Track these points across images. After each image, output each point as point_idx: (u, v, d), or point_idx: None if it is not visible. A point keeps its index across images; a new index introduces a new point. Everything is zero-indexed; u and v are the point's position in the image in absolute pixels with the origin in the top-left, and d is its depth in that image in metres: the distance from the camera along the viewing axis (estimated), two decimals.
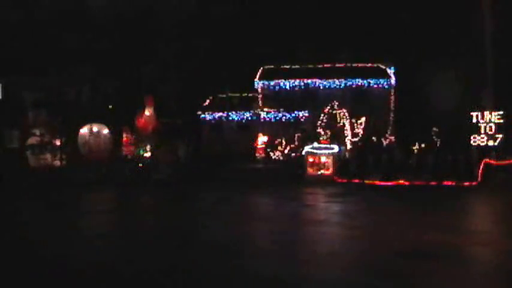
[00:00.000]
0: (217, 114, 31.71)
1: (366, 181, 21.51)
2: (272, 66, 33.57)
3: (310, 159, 23.20)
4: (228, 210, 14.41)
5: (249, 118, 30.71)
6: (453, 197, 17.26)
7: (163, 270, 7.51)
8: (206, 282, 6.94)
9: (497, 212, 14.09)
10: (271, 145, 28.42)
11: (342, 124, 26.19)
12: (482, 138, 21.12)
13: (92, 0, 33.62)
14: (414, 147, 22.51)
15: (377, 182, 21.19)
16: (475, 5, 27.75)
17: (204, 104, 31.99)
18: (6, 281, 7.08)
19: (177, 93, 31.97)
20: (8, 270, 7.71)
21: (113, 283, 6.96)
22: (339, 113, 26.29)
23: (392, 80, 32.57)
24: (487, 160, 20.19)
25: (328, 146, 23.49)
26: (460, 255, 8.48)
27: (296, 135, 26.39)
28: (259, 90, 32.50)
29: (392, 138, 27.13)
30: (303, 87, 32.55)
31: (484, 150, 20.75)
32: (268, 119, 30.40)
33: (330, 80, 32.23)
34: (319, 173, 22.96)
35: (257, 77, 33.04)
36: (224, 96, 31.69)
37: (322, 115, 26.05)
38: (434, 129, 22.01)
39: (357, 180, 21.81)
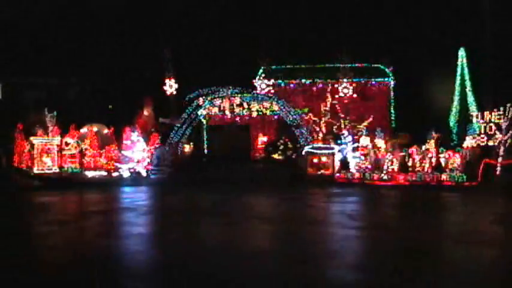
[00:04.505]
0: (217, 114, 31.69)
1: (366, 181, 21.51)
2: (272, 66, 33.56)
3: (310, 159, 23.19)
4: (228, 210, 14.39)
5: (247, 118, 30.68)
6: (453, 197, 17.25)
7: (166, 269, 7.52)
8: (207, 282, 6.95)
9: (497, 212, 14.08)
10: (271, 145, 28.40)
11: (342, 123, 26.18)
12: (482, 138, 21.12)
13: (92, 0, 33.68)
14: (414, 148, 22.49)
15: (377, 182, 21.19)
16: (475, 4, 27.78)
17: (204, 104, 31.98)
18: None
19: (177, 92, 31.98)
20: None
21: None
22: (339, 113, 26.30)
23: (392, 80, 32.56)
24: (487, 160, 20.18)
25: (328, 146, 23.48)
26: (460, 255, 8.48)
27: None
28: (259, 90, 32.48)
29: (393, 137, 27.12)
30: (303, 87, 32.55)
31: (485, 150, 20.75)
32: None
33: (330, 80, 32.22)
34: (319, 173, 22.94)
35: (257, 77, 33.03)
36: (224, 95, 31.68)
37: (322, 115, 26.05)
38: (434, 133, 22.08)
39: (357, 181, 21.80)
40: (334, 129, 26.02)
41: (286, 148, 27.44)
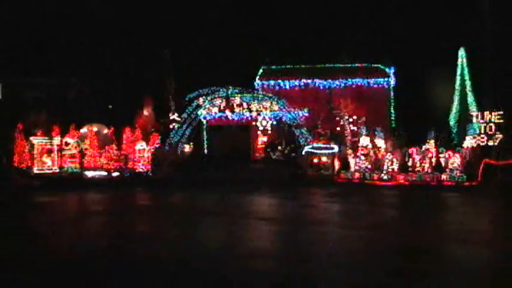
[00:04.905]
0: (217, 114, 31.67)
1: (366, 181, 21.51)
2: (272, 66, 33.53)
3: (310, 159, 23.18)
4: (228, 211, 14.40)
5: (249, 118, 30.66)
6: (453, 197, 17.25)
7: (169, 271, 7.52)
8: (206, 281, 6.95)
9: (497, 212, 14.08)
10: (271, 145, 28.36)
11: (342, 123, 26.17)
12: (482, 138, 21.11)
13: (92, 1, 33.66)
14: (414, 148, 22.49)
15: (377, 182, 21.18)
16: (475, 4, 27.79)
17: (205, 104, 31.98)
18: None
19: (177, 92, 31.93)
20: None
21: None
22: (339, 113, 26.28)
23: (392, 80, 32.55)
24: (487, 160, 20.18)
25: (328, 146, 23.47)
26: (460, 255, 8.48)
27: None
28: (260, 90, 32.45)
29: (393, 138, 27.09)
30: (303, 87, 32.54)
31: (485, 150, 20.74)
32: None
33: (330, 80, 32.20)
34: (319, 173, 22.93)
35: (257, 77, 33.00)
36: (224, 96, 31.68)
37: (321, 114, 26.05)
38: (435, 133, 22.04)
39: (357, 180, 21.80)
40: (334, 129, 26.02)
41: (286, 148, 27.42)
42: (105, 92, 33.81)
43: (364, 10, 36.15)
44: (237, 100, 30.76)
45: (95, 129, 24.94)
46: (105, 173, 23.67)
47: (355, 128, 25.14)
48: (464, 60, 30.52)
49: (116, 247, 9.41)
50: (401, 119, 31.71)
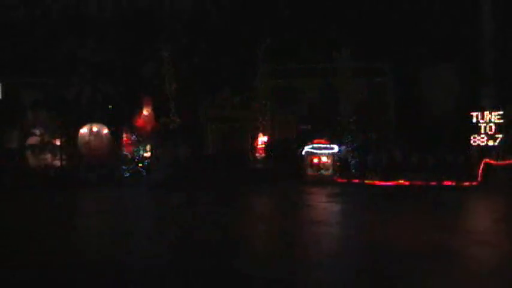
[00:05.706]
0: (217, 114, 31.70)
1: (366, 181, 21.51)
2: (272, 66, 33.53)
3: (310, 159, 23.17)
4: (228, 211, 14.40)
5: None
6: (453, 197, 17.25)
7: (160, 269, 7.53)
8: (204, 282, 6.94)
9: (497, 212, 14.08)
10: (271, 145, 28.39)
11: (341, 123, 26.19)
12: (482, 138, 21.11)
13: (92, 0, 33.68)
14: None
15: (377, 182, 21.18)
16: (474, 3, 27.77)
17: (204, 103, 31.98)
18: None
19: (177, 92, 31.97)
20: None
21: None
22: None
23: (392, 80, 32.56)
24: (487, 160, 20.19)
25: (328, 146, 23.47)
26: (459, 255, 8.47)
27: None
28: (259, 89, 32.46)
29: (392, 138, 27.12)
30: (302, 86, 32.57)
31: (485, 150, 20.75)
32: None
33: (329, 80, 32.20)
34: (319, 173, 22.93)
35: (257, 76, 33.00)
36: (224, 95, 31.69)
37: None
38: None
39: (357, 180, 21.80)
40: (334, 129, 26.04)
41: (286, 148, 27.42)
42: (105, 92, 33.81)
43: (364, 9, 36.14)
44: (237, 100, 30.81)
45: (94, 129, 24.96)
46: (104, 173, 23.67)
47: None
48: (464, 60, 30.52)
49: (116, 247, 9.41)
50: (401, 119, 31.71)
